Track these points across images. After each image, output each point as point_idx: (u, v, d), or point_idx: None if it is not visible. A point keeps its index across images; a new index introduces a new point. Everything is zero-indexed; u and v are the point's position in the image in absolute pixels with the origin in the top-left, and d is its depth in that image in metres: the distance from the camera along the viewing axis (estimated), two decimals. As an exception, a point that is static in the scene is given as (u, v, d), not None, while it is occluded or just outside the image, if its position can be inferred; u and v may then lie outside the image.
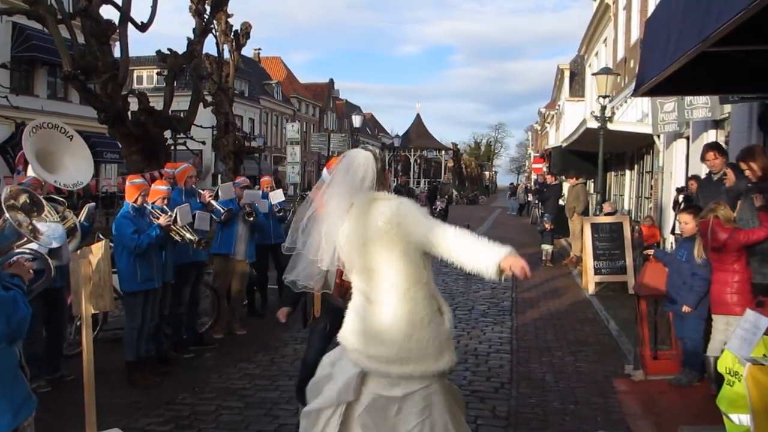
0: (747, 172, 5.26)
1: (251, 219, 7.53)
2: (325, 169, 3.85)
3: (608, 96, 13.69)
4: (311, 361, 4.32)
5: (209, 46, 53.61)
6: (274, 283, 9.24)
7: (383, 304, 2.96)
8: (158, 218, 5.82)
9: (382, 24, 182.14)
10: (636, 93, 5.40)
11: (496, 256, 2.72)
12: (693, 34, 3.48)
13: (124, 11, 10.92)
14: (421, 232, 2.89)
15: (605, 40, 22.91)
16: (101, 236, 6.40)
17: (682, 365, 5.64)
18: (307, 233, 3.09)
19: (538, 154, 43.74)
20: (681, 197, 9.48)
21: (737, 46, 4.44)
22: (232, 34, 17.02)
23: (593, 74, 16.37)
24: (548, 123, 48.32)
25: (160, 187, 6.11)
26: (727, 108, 9.32)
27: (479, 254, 2.77)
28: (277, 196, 8.68)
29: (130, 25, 11.20)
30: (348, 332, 3.09)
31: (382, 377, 2.95)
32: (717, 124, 10.55)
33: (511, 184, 50.97)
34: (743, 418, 3.32)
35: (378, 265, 2.95)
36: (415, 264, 2.94)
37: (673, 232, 9.96)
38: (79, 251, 4.58)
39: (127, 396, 5.48)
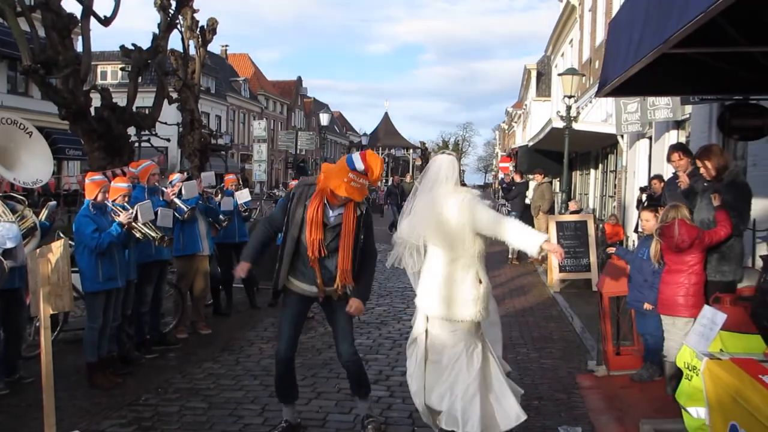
0: (702, 170, 5.39)
1: (219, 198, 7.60)
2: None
3: (573, 96, 13.91)
4: (282, 355, 4.49)
5: (175, 41, 52.95)
6: (240, 282, 9.17)
7: (432, 267, 4.15)
8: (119, 215, 5.71)
9: (352, 22, 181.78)
10: (599, 93, 5.46)
11: (539, 239, 3.86)
12: (654, 35, 3.54)
13: (87, 5, 10.68)
14: (486, 218, 3.98)
15: (571, 41, 23.22)
16: (61, 235, 6.27)
17: (644, 361, 5.74)
18: (410, 216, 4.24)
19: (505, 153, 44.17)
20: (644, 196, 9.66)
21: (698, 48, 4.52)
22: (198, 29, 16.80)
23: (559, 75, 16.60)
24: (515, 122, 48.79)
25: (120, 185, 5.99)
26: (688, 109, 9.54)
27: (526, 237, 3.93)
28: (243, 196, 8.63)
29: (93, 19, 10.97)
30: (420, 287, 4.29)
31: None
32: (678, 124, 10.78)
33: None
34: (701, 412, 3.39)
35: (442, 240, 4.07)
36: (463, 241, 4.01)
37: (636, 230, 10.16)
38: (37, 250, 4.47)
39: (88, 398, 5.38)
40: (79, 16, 10.60)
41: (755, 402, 2.73)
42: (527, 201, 15.91)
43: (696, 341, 3.48)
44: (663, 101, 10.17)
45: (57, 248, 4.25)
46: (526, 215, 14.71)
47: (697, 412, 3.46)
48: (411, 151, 55.61)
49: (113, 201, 5.83)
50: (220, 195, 7.71)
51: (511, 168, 27.55)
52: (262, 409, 5.14)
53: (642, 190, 10.32)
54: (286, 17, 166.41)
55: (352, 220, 4.30)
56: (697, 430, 3.49)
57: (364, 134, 47.44)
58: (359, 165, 4.13)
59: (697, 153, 5.57)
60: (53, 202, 6.29)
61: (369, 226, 4.49)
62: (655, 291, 5.36)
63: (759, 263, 5.78)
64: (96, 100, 10.92)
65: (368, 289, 4.60)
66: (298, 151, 27.23)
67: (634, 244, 10.59)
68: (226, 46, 53.11)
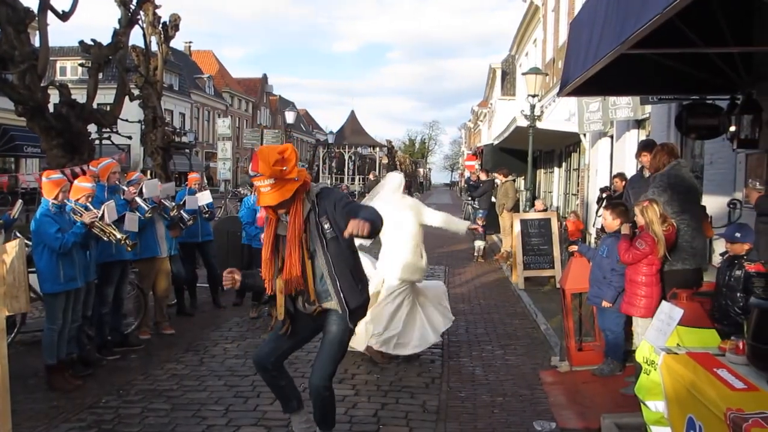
0: (642, 159, 5.59)
1: (175, 212, 7.31)
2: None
3: (537, 95, 14.05)
4: (255, 360, 4.18)
5: (136, 37, 51.97)
6: (204, 281, 9.07)
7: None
8: (81, 215, 5.59)
9: (319, 19, 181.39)
10: (561, 93, 5.56)
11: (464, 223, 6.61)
12: (613, 36, 3.60)
13: (44, -1, 10.42)
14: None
15: (535, 41, 23.49)
16: (18, 234, 6.12)
17: (605, 356, 5.84)
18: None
19: (471, 152, 44.47)
20: (604, 195, 9.83)
21: (656, 48, 4.62)
22: (160, 25, 16.51)
23: (523, 74, 16.76)
24: (481, 121, 49.19)
25: (84, 185, 5.85)
26: (648, 108, 9.73)
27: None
28: (204, 198, 8.50)
29: (51, 14, 10.70)
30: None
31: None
32: (639, 123, 10.99)
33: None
34: (659, 405, 3.46)
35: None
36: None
37: (594, 225, 10.34)
38: (-8, 250, 4.35)
39: (47, 400, 5.26)
40: (36, 11, 10.33)
41: (710, 395, 2.80)
42: (493, 199, 16.04)
43: (654, 336, 3.55)
44: (624, 101, 10.35)
45: (12, 248, 4.14)
46: (492, 213, 14.84)
47: (655, 405, 3.53)
48: (377, 149, 55.55)
49: (76, 201, 5.71)
50: (175, 210, 7.40)
51: (476, 166, 27.74)
52: (226, 409, 5.08)
53: (602, 190, 10.48)
54: (252, 14, 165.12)
55: (296, 221, 3.83)
56: (655, 423, 3.56)
57: (330, 132, 47.18)
58: (251, 169, 3.73)
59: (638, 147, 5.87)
60: (20, 201, 6.11)
61: (338, 205, 3.85)
62: (612, 288, 5.45)
63: (717, 260, 5.92)
64: (54, 97, 10.67)
65: (372, 215, 3.64)
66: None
67: (594, 241, 10.76)
68: (190, 42, 52.52)
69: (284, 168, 3.69)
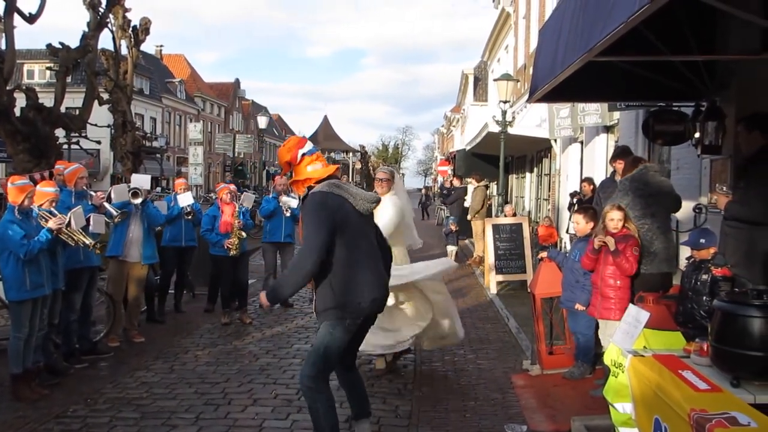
0: (616, 166, 5.69)
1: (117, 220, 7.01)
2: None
3: (508, 101, 14.18)
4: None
5: (107, 41, 51.29)
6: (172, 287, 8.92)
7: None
8: (47, 221, 5.49)
9: (293, 24, 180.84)
10: (530, 99, 5.63)
11: None
12: (580, 44, 3.66)
13: (10, 1, 10.26)
14: None
15: (506, 47, 23.71)
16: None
17: (575, 359, 5.91)
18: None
19: (444, 157, 44.70)
20: (575, 200, 9.96)
21: (622, 56, 4.70)
22: (131, 29, 16.36)
23: (494, 80, 16.91)
24: (454, 126, 49.46)
25: (46, 189, 5.75)
26: (616, 115, 9.89)
27: None
28: (185, 199, 8.35)
29: (17, 16, 10.54)
30: None
31: None
32: (608, 129, 11.16)
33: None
34: (627, 407, 3.51)
35: None
36: None
37: (567, 231, 10.46)
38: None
39: (12, 411, 5.15)
40: (1, 13, 10.16)
41: (675, 396, 2.84)
42: (465, 205, 16.13)
43: (621, 339, 3.61)
44: (593, 107, 10.51)
45: (-24, 255, 4.06)
46: (464, 219, 14.92)
47: (623, 407, 3.58)
48: (351, 154, 55.60)
49: (39, 206, 5.61)
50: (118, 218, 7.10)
51: (449, 172, 27.89)
52: (196, 418, 5.03)
53: (572, 195, 10.62)
54: (225, 18, 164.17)
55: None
56: (623, 425, 3.61)
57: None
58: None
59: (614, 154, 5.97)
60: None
61: (305, 214, 4.00)
62: (586, 292, 5.51)
63: (684, 264, 6.03)
64: (21, 100, 10.51)
65: (277, 287, 4.19)
66: (236, 154, 26.86)
67: (566, 246, 10.89)
68: (161, 46, 51.95)
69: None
